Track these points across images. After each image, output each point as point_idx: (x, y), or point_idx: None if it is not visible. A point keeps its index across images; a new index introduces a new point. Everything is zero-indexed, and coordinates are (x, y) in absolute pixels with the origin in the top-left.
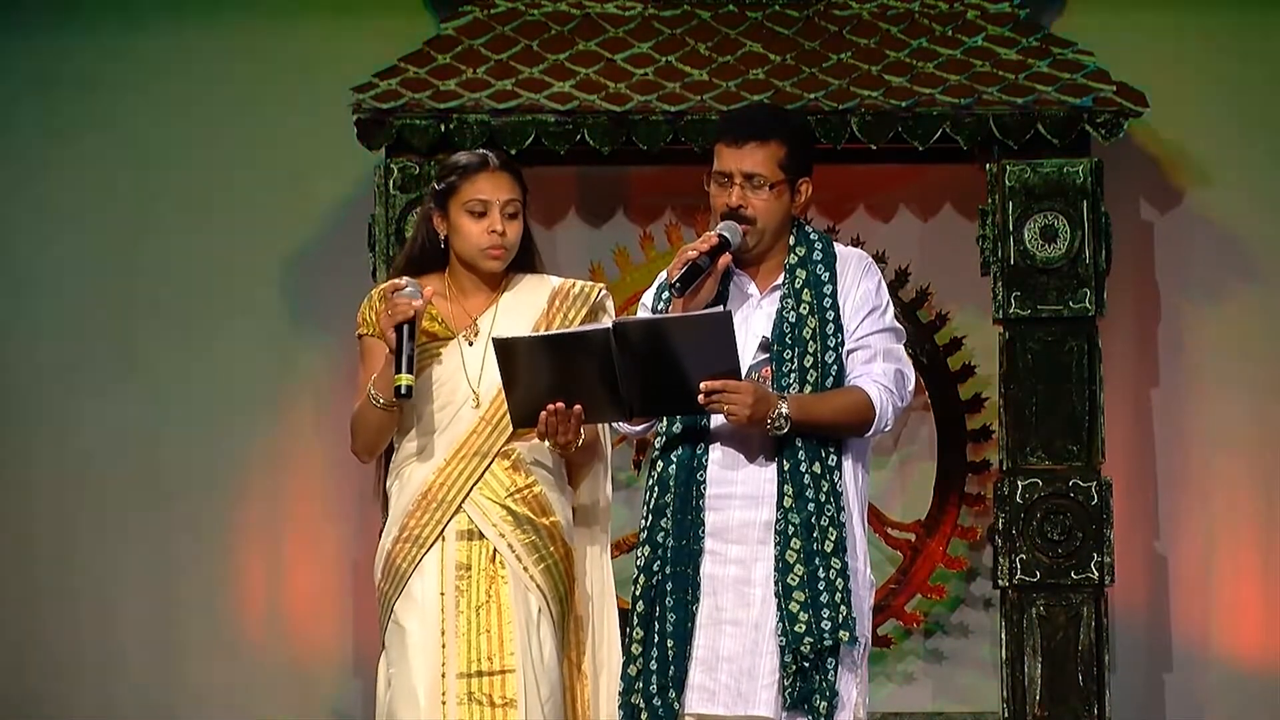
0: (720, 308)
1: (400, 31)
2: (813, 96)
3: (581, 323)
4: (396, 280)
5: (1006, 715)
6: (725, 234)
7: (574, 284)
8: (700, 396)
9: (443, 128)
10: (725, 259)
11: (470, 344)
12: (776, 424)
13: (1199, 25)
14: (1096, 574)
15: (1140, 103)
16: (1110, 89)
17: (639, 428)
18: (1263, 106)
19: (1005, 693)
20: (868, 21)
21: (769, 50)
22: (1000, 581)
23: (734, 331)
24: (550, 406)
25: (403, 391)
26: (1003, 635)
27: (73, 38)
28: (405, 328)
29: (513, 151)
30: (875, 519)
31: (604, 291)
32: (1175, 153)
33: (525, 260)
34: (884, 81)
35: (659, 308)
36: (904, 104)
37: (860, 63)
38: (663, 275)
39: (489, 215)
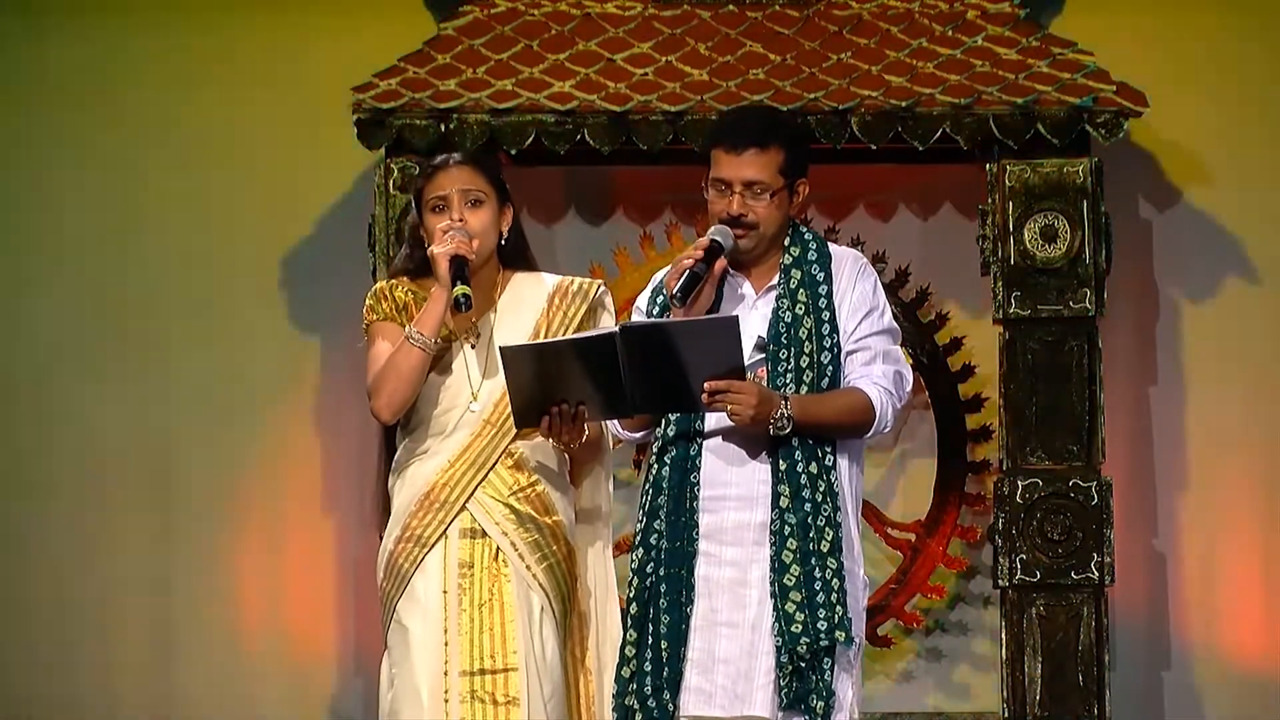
0: (728, 314)
1: (400, 31)
2: (813, 96)
3: (581, 319)
4: (452, 222)
5: (1006, 715)
6: (717, 238)
7: (572, 281)
8: (704, 396)
9: (443, 128)
10: (721, 263)
11: (471, 347)
12: (779, 424)
13: (1199, 25)
14: (1096, 574)
15: (1140, 103)
16: (1110, 89)
17: (638, 434)
18: (1262, 106)
19: (1005, 692)
20: (868, 21)
21: (769, 50)
22: (1000, 581)
23: (740, 335)
24: (554, 409)
25: (463, 302)
26: (1003, 635)
27: (73, 37)
28: (455, 262)
29: (513, 151)
30: (875, 519)
31: (602, 288)
32: (1175, 152)
33: (520, 259)
34: (884, 81)
35: (654, 313)
36: (904, 104)
37: (860, 63)
38: (656, 278)
39: (449, 208)
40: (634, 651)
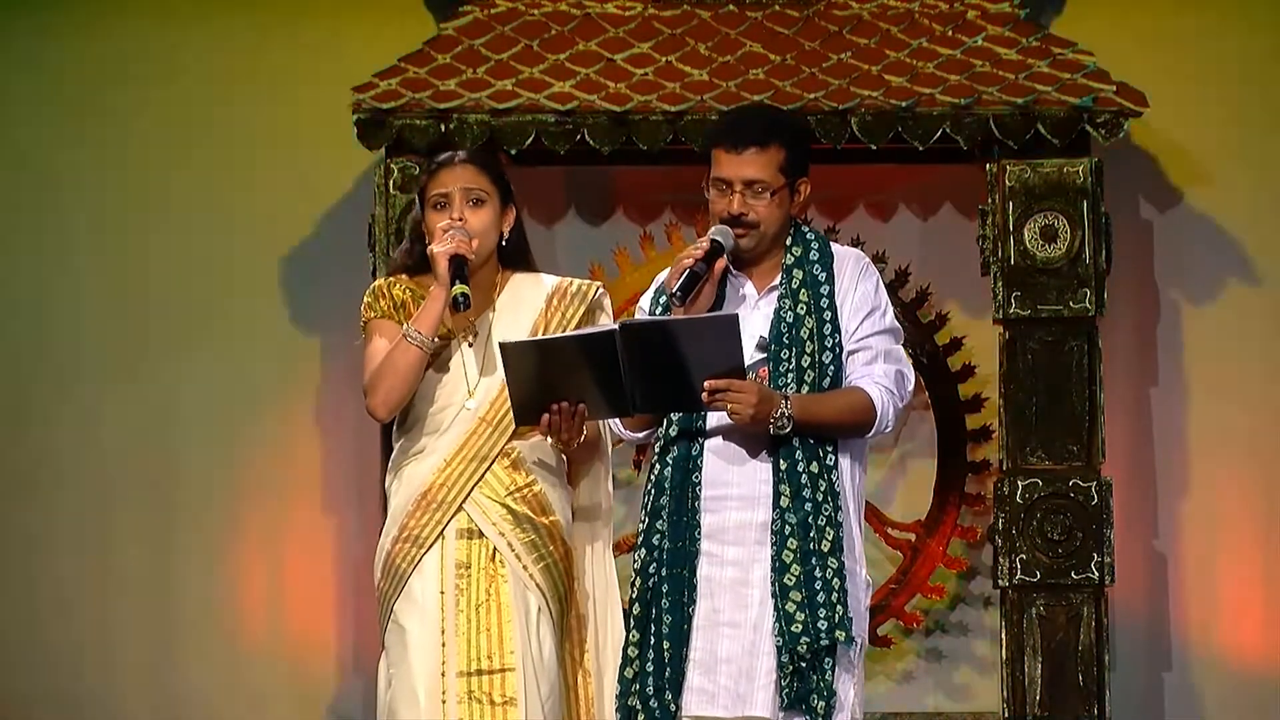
0: (728, 311)
1: (400, 31)
2: (813, 96)
3: (579, 321)
4: (452, 221)
5: (1006, 715)
6: (717, 238)
7: (571, 282)
8: (704, 395)
9: (443, 128)
10: (721, 262)
11: (469, 345)
12: (779, 423)
13: (1199, 25)
14: (1096, 574)
15: (1140, 103)
16: (1110, 89)
17: (640, 434)
18: (1262, 106)
19: (1005, 693)
20: (868, 21)
21: (769, 50)
22: (1000, 581)
23: (740, 333)
24: (555, 406)
25: (461, 301)
26: (1003, 635)
27: (74, 38)
28: (454, 261)
29: (513, 151)
30: (875, 519)
31: (601, 290)
32: (1175, 153)
33: (521, 260)
34: (884, 81)
35: (657, 312)
36: (904, 104)
37: (860, 63)
38: (659, 279)
39: (450, 206)
40: (636, 652)
